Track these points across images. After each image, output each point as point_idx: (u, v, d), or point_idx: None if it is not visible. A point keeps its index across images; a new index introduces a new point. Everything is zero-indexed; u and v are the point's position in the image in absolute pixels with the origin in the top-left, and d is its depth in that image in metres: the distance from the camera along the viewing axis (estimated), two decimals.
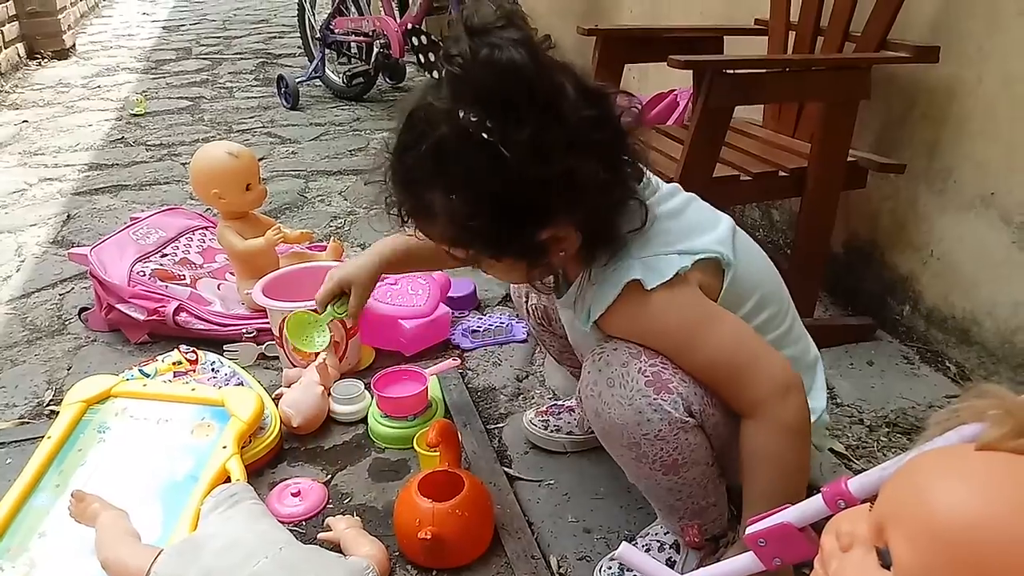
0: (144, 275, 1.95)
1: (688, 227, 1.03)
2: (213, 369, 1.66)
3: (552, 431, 1.46)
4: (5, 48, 4.84)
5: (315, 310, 1.40)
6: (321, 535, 1.26)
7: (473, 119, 0.86)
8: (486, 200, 0.89)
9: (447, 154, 0.88)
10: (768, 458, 0.98)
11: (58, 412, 1.47)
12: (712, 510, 1.10)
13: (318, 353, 1.53)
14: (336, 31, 4.10)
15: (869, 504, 0.56)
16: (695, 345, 0.98)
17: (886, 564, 0.51)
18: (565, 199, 0.90)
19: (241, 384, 1.60)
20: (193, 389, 1.50)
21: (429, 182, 0.91)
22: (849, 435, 1.50)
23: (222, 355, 1.73)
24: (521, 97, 0.85)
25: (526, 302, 1.39)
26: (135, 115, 3.98)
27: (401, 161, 0.93)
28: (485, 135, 0.86)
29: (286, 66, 4.97)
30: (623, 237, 0.98)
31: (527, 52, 0.86)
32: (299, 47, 4.86)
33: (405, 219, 0.98)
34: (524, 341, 1.85)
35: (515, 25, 0.88)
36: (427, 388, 1.53)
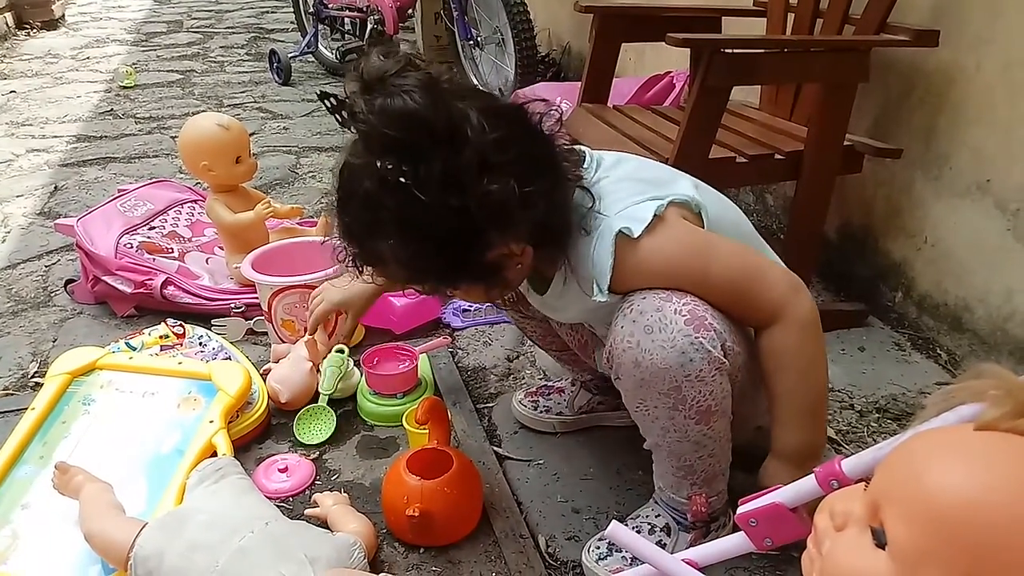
0: (131, 247, 1.92)
1: (649, 180, 1.07)
2: (200, 343, 1.64)
3: (542, 412, 1.46)
4: None
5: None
6: (308, 511, 1.25)
7: (389, 167, 0.90)
8: (421, 239, 0.94)
9: (374, 204, 0.93)
10: (794, 355, 1.03)
11: (43, 384, 1.45)
12: (721, 480, 1.13)
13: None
14: (330, 6, 4.05)
15: (864, 484, 0.55)
16: (707, 266, 1.01)
17: (881, 544, 0.50)
18: (493, 220, 0.93)
19: (229, 359, 1.58)
20: (180, 363, 1.48)
21: (368, 232, 0.96)
22: (839, 420, 1.50)
23: (210, 329, 1.71)
24: (422, 138, 0.90)
25: None
26: (124, 87, 3.94)
27: (341, 218, 0.98)
28: (402, 179, 0.90)
29: (278, 41, 4.92)
30: (589, 215, 1.02)
31: (420, 93, 0.89)
32: (292, 22, 4.80)
33: (361, 268, 1.03)
34: None
35: (412, 66, 0.93)
36: (417, 366, 1.52)
